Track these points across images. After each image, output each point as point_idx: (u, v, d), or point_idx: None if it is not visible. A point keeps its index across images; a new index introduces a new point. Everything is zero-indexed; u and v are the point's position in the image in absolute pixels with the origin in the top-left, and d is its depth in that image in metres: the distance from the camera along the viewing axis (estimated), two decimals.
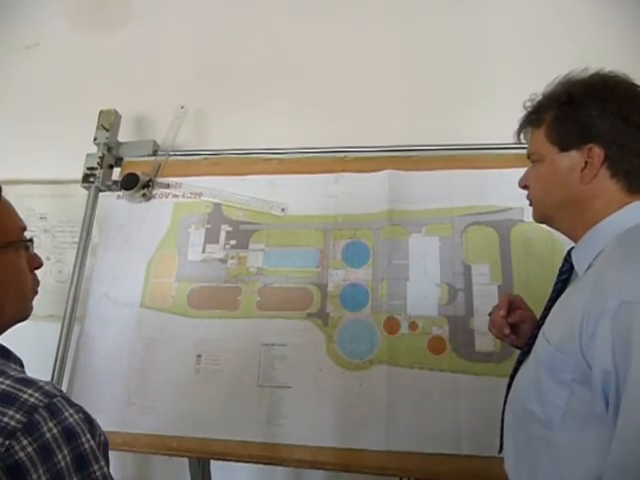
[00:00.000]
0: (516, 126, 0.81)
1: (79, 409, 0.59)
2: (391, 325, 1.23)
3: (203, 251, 1.39)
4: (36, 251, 0.72)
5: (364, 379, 1.20)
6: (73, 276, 1.40)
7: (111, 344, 1.34)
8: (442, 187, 1.34)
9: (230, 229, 1.40)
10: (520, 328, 0.87)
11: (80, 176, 1.48)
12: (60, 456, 0.54)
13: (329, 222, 1.36)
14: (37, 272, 0.73)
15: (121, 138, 1.57)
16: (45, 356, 1.32)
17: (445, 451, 1.11)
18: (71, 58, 1.83)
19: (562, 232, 0.78)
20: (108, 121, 1.51)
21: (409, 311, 1.24)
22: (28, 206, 1.72)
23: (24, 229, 0.70)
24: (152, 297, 1.37)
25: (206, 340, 1.30)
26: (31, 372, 0.64)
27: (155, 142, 1.54)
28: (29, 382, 0.57)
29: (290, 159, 1.45)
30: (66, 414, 0.56)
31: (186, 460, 1.44)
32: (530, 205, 0.80)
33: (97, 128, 1.51)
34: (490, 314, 0.91)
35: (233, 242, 1.39)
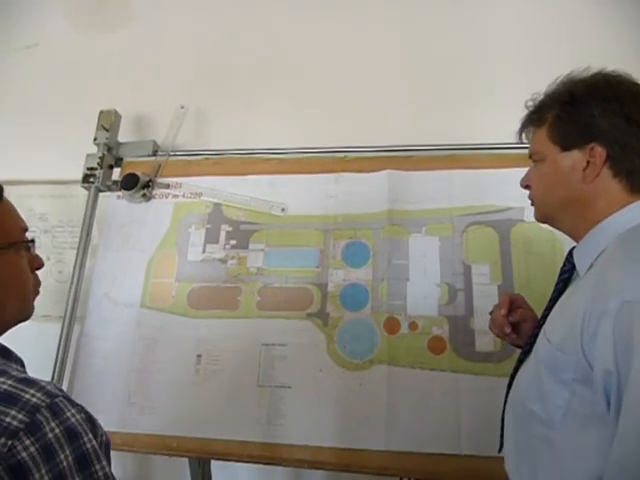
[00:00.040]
0: (516, 126, 0.81)
1: (81, 409, 0.59)
2: (391, 325, 1.23)
3: (203, 251, 1.39)
4: (36, 251, 0.72)
5: (364, 379, 1.20)
6: (73, 276, 1.40)
7: (111, 344, 1.34)
8: (442, 187, 1.34)
9: (230, 229, 1.40)
10: (521, 327, 0.87)
11: (80, 176, 1.48)
12: (62, 456, 0.54)
13: (329, 222, 1.36)
14: (37, 272, 0.73)
15: (121, 138, 1.57)
16: (45, 356, 1.32)
17: (445, 451, 1.11)
18: (71, 58, 1.83)
19: (564, 232, 0.78)
20: (108, 121, 1.51)
21: (409, 311, 1.24)
22: (28, 206, 1.72)
23: (25, 230, 0.70)
24: (152, 297, 1.37)
25: (206, 340, 1.30)
26: (31, 372, 0.64)
27: (155, 142, 1.54)
28: (31, 382, 0.57)
29: (290, 159, 1.45)
30: (68, 414, 0.56)
31: (186, 460, 1.44)
32: (532, 205, 0.80)
33: (97, 128, 1.51)
34: (491, 313, 0.91)
35: (233, 242, 1.39)
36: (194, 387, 1.26)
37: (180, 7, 1.80)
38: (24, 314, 0.69)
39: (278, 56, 1.70)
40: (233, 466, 1.43)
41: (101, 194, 1.49)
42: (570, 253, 0.75)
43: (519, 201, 1.24)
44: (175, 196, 1.46)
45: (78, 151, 1.50)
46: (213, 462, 1.49)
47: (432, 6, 1.63)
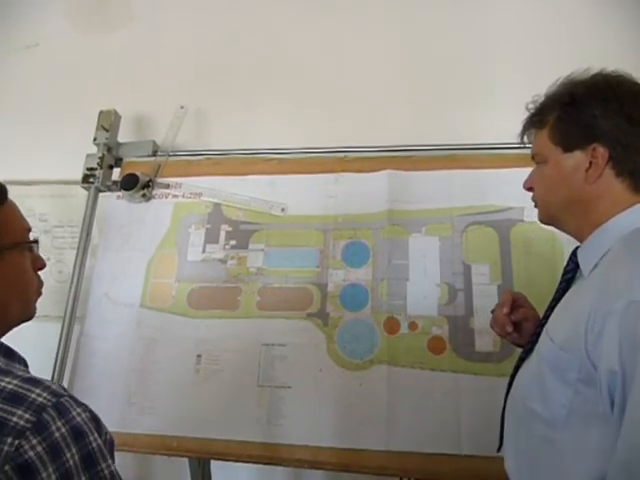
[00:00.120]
0: (517, 126, 0.81)
1: (85, 408, 0.59)
2: (391, 325, 1.23)
3: (203, 251, 1.39)
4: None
5: (364, 379, 1.20)
6: (73, 276, 1.40)
7: (111, 344, 1.34)
8: (442, 187, 1.34)
9: (230, 229, 1.40)
10: (522, 326, 0.87)
11: (80, 176, 1.48)
12: (69, 455, 0.54)
13: (329, 222, 1.36)
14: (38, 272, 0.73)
15: (121, 138, 1.57)
16: (45, 356, 1.32)
17: (445, 451, 1.11)
18: (71, 58, 1.83)
19: (568, 233, 0.77)
20: (108, 121, 1.51)
21: (409, 311, 1.24)
22: (28, 206, 1.72)
23: (29, 230, 0.71)
24: (152, 297, 1.37)
25: (206, 340, 1.30)
26: (32, 372, 0.64)
27: (155, 142, 1.54)
28: (36, 382, 0.58)
29: (290, 159, 1.45)
30: (74, 413, 0.57)
31: (186, 460, 1.44)
32: (535, 207, 0.80)
33: (97, 128, 1.51)
34: (492, 311, 0.91)
35: (233, 242, 1.39)
36: (194, 387, 1.26)
37: (180, 7, 1.80)
38: (27, 314, 0.69)
39: (278, 56, 1.70)
40: (233, 466, 1.43)
41: (101, 194, 1.49)
42: (574, 253, 0.75)
43: (519, 201, 1.24)
44: (175, 196, 1.46)
45: (78, 151, 1.50)
46: (213, 462, 1.50)
47: (432, 6, 1.63)
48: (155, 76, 1.76)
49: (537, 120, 0.77)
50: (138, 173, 1.44)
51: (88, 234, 1.45)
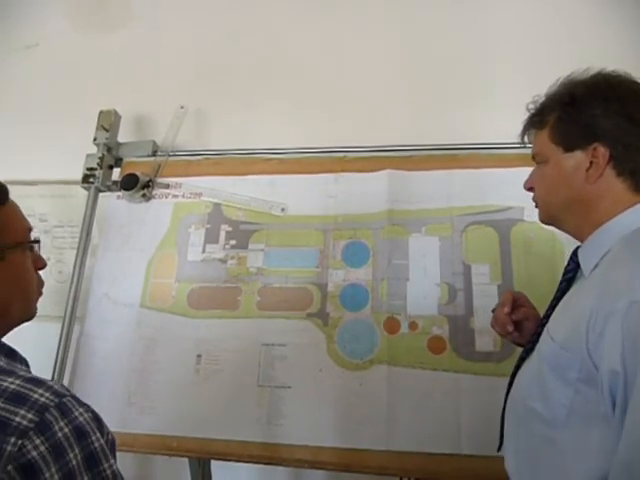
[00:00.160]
0: (516, 126, 0.81)
1: (88, 408, 0.60)
2: (391, 325, 1.23)
3: (203, 251, 1.39)
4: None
5: (364, 379, 1.20)
6: (73, 276, 1.40)
7: (111, 344, 1.34)
8: (442, 187, 1.34)
9: (230, 229, 1.40)
10: (523, 325, 0.87)
11: (80, 176, 1.48)
12: (71, 455, 0.54)
13: (329, 222, 1.36)
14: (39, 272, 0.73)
15: (121, 138, 1.57)
16: (45, 356, 1.32)
17: (445, 451, 1.11)
18: (71, 58, 1.83)
19: (569, 233, 0.77)
20: (108, 121, 1.51)
21: (409, 311, 1.24)
22: (28, 207, 1.69)
23: (30, 230, 0.71)
24: (152, 297, 1.37)
25: (206, 340, 1.30)
26: (32, 372, 0.64)
27: (155, 142, 1.54)
28: (39, 382, 0.58)
29: (290, 159, 1.45)
30: (76, 413, 0.57)
31: (186, 460, 1.44)
32: (536, 207, 0.80)
33: (97, 128, 1.51)
34: (493, 311, 0.91)
35: (233, 242, 1.39)
36: (194, 387, 1.26)
37: (180, 7, 1.80)
38: (28, 314, 0.70)
39: (278, 56, 1.70)
40: (233, 466, 1.43)
41: (101, 194, 1.49)
42: (575, 253, 0.75)
43: (519, 201, 1.24)
44: (175, 196, 1.46)
45: (78, 151, 1.50)
46: (213, 462, 1.49)
47: (432, 6, 1.63)
48: (155, 76, 1.76)
49: (537, 120, 0.77)
50: (138, 173, 1.44)
51: (88, 234, 1.45)
